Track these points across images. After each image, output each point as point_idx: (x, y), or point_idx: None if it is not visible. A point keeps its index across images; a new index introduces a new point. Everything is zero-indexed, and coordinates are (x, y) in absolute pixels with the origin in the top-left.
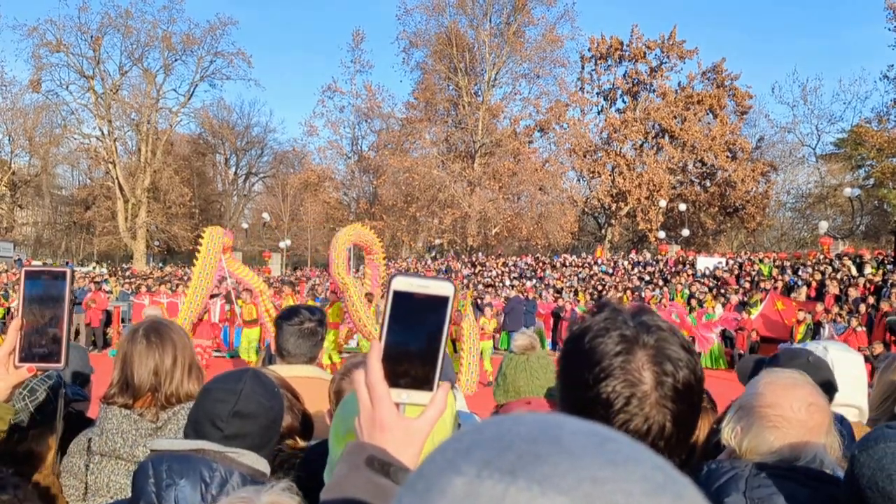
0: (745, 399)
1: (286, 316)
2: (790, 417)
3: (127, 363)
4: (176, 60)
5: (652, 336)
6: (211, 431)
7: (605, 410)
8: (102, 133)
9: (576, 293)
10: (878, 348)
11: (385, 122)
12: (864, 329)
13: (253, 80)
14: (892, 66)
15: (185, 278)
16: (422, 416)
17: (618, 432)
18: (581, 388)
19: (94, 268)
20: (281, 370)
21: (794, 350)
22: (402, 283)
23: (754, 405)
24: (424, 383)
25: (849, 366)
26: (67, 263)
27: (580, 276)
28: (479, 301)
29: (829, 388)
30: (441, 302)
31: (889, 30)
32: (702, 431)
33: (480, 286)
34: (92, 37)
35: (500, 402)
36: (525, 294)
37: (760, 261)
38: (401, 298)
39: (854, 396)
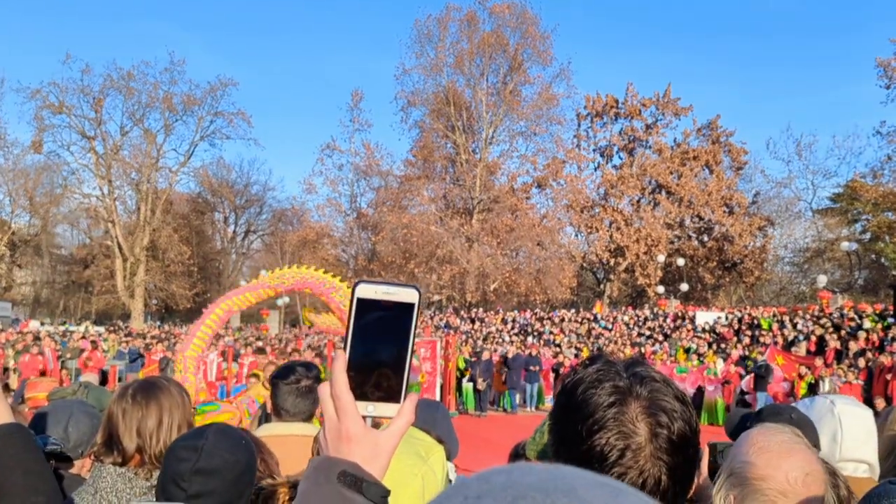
0: (737, 465)
1: (281, 375)
2: (786, 490)
3: (111, 422)
4: (177, 121)
5: (645, 387)
6: (175, 492)
7: (599, 464)
8: (102, 193)
9: (577, 350)
10: (881, 403)
11: (383, 179)
12: (860, 382)
13: (252, 140)
14: (884, 122)
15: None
16: (389, 427)
17: (627, 485)
18: (574, 441)
19: (87, 327)
20: (277, 428)
21: (779, 407)
22: (366, 291)
23: (747, 476)
24: (391, 395)
25: (858, 420)
26: (65, 322)
27: (579, 332)
28: (477, 357)
29: (815, 447)
30: (407, 309)
31: (880, 87)
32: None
33: (480, 341)
34: (94, 98)
35: (529, 458)
36: (529, 351)
37: (760, 315)
38: (365, 306)
39: (864, 451)
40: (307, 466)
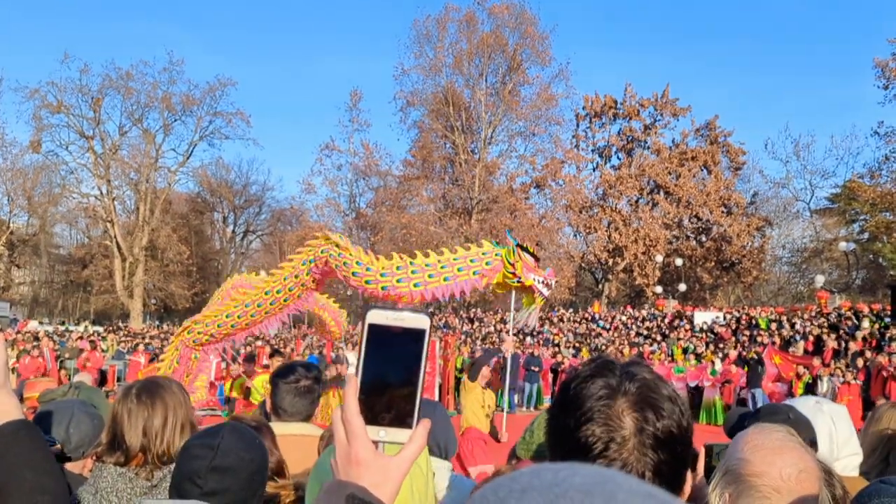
0: (732, 462)
1: (281, 374)
2: (780, 487)
3: (117, 422)
4: (175, 121)
5: (635, 384)
6: (190, 489)
7: (584, 455)
8: (101, 192)
9: (577, 349)
10: (881, 402)
11: (382, 179)
12: (859, 383)
13: (251, 140)
14: (882, 122)
15: None
16: (400, 453)
17: (675, 498)
18: (566, 434)
19: (87, 327)
20: (275, 428)
21: (776, 406)
22: (377, 317)
23: (742, 473)
24: (403, 420)
25: (844, 417)
26: (63, 322)
27: (577, 331)
28: (473, 357)
29: (811, 446)
30: (418, 335)
31: (878, 87)
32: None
33: (479, 341)
34: (93, 98)
35: (520, 457)
36: (530, 351)
37: (758, 315)
38: (376, 332)
39: (853, 445)
40: (320, 490)
